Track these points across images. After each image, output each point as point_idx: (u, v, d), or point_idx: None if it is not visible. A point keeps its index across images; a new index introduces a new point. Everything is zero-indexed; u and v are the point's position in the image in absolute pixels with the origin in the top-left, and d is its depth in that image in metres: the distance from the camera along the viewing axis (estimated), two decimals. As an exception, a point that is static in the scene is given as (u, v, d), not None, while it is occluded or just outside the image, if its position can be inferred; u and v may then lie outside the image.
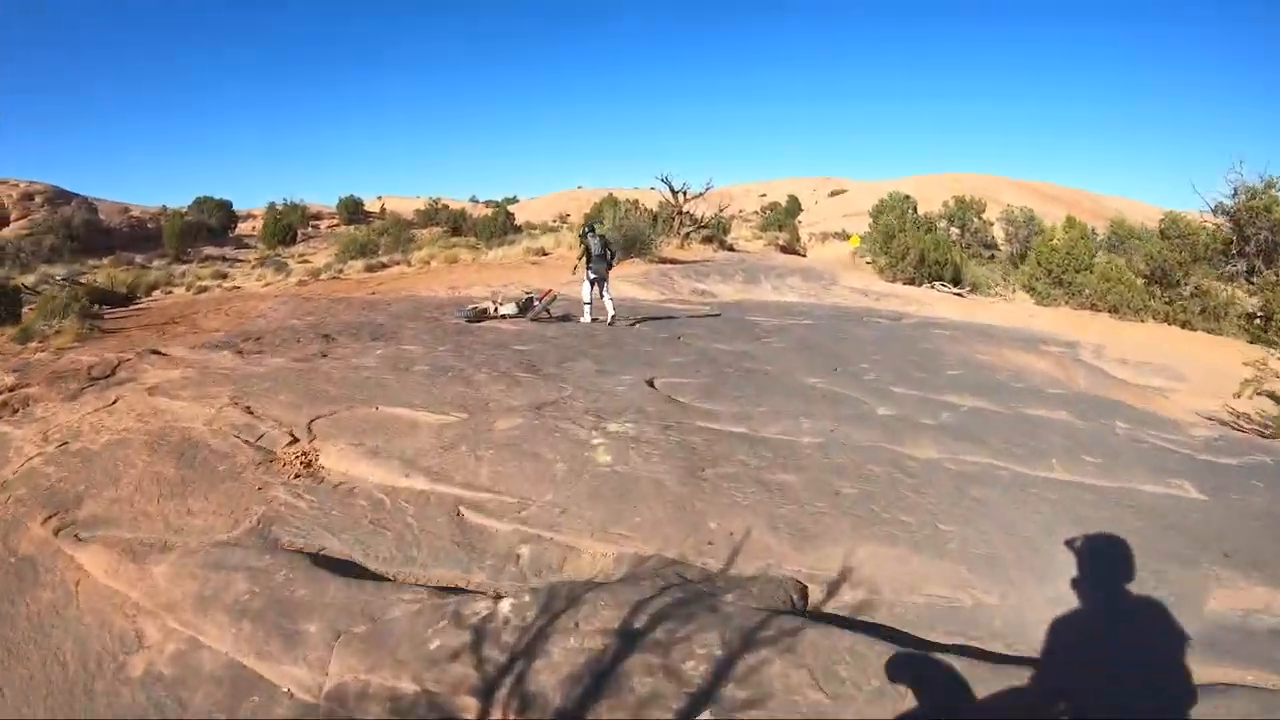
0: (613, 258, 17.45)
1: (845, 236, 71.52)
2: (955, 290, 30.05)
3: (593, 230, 17.23)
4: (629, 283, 26.88)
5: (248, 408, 8.81)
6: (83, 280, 31.49)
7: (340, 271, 33.46)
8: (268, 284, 30.51)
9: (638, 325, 16.76)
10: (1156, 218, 53.82)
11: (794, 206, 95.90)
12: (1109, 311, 24.89)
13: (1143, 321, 23.60)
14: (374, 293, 26.15)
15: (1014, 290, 29.27)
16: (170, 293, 32.35)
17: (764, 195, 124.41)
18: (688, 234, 42.36)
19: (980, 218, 50.84)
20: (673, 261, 35.57)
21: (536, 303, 16.88)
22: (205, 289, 30.91)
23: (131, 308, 27.10)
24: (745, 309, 21.79)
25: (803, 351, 13.48)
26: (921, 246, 31.38)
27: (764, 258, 42.87)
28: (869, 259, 40.01)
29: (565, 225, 74.92)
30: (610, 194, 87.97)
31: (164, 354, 12.12)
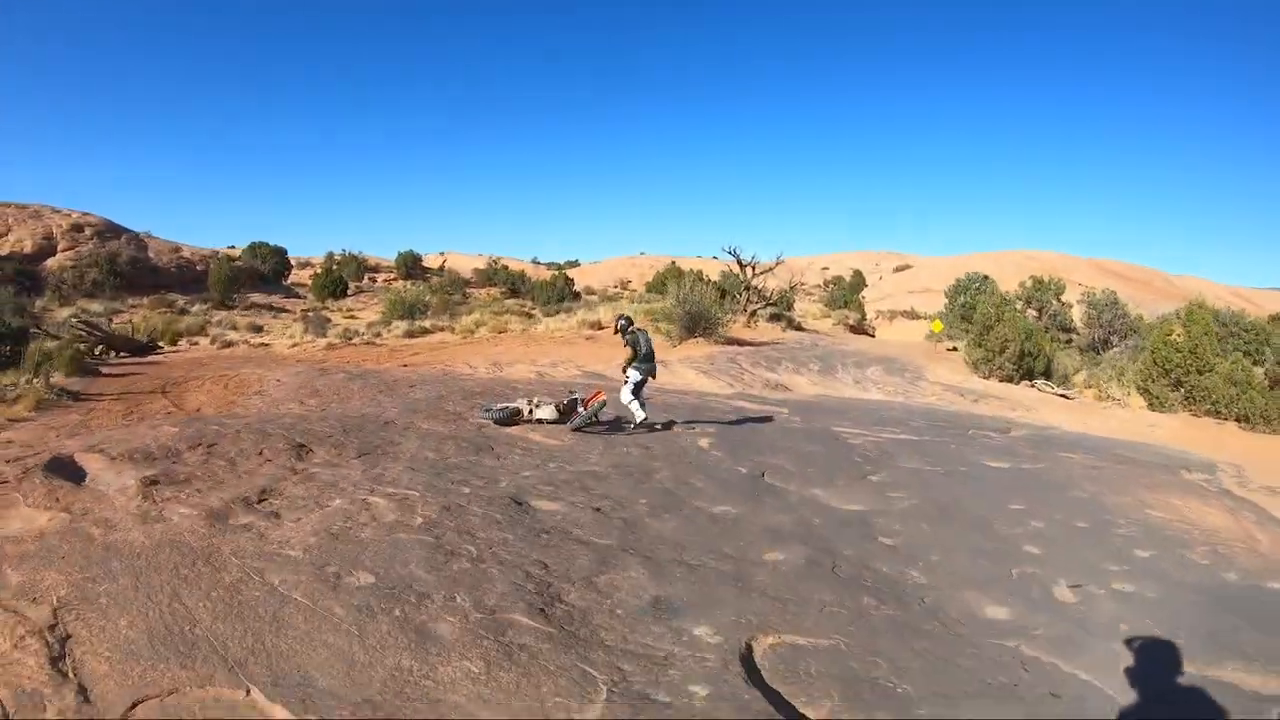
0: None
1: (914, 315, 68.17)
2: (1059, 391, 26.14)
3: (630, 323, 14.18)
4: (693, 369, 23.50)
5: (60, 649, 4.86)
6: (104, 325, 28.69)
7: (378, 336, 30.47)
8: (295, 344, 27.53)
9: (706, 442, 13.17)
10: (1230, 299, 49.74)
11: (858, 281, 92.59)
12: (1236, 421, 21.19)
13: (1276, 434, 19.82)
14: (406, 364, 23.17)
15: (1125, 390, 25.13)
16: (196, 344, 29.63)
17: (826, 269, 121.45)
18: (754, 312, 38.85)
19: (1059, 299, 46.70)
20: (740, 343, 32.26)
21: (580, 409, 13.45)
22: (231, 344, 28.02)
23: (144, 360, 24.46)
24: (828, 411, 18.33)
25: (942, 520, 9.68)
26: (1020, 338, 27.55)
27: (836, 340, 39.29)
28: (950, 345, 36.40)
29: (624, 292, 72.02)
30: (673, 262, 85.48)
31: (56, 479, 8.61)
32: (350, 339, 28.75)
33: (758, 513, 9.20)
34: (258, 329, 35.25)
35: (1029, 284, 47.67)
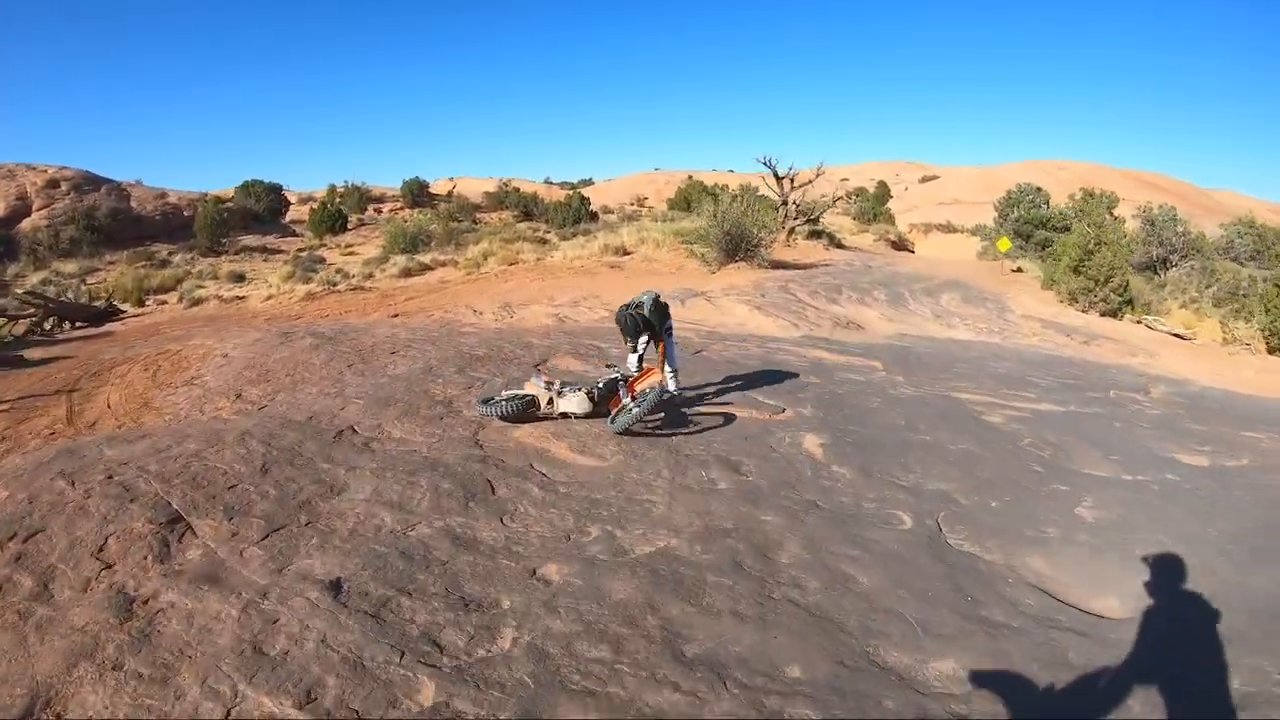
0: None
1: (951, 229, 63.47)
2: (1173, 330, 21.62)
3: (642, 307, 9.68)
4: (744, 303, 19.02)
5: None
6: (50, 294, 24.30)
7: (369, 277, 25.87)
8: (270, 297, 22.96)
9: (815, 446, 8.86)
10: (1267, 215, 45.35)
11: (883, 193, 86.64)
12: None
13: None
14: (397, 314, 18.77)
15: (1253, 331, 20.47)
16: (164, 303, 25.24)
17: (845, 180, 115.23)
18: (792, 229, 34.07)
19: (1112, 214, 41.66)
20: (785, 266, 27.64)
21: (626, 398, 8.90)
22: (200, 301, 23.53)
23: (99, 330, 20.38)
24: (929, 365, 13.90)
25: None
26: (1126, 266, 22.86)
27: (887, 260, 34.70)
28: (1015, 265, 31.88)
29: (643, 210, 66.99)
30: (690, 177, 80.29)
31: None
32: (334, 284, 24.10)
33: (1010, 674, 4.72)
34: (240, 278, 30.87)
35: (1078, 196, 42.77)
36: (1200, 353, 19.22)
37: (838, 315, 19.05)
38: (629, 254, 28.78)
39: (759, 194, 38.14)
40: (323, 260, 37.30)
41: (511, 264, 27.24)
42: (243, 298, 23.89)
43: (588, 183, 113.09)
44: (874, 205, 68.97)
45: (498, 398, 9.18)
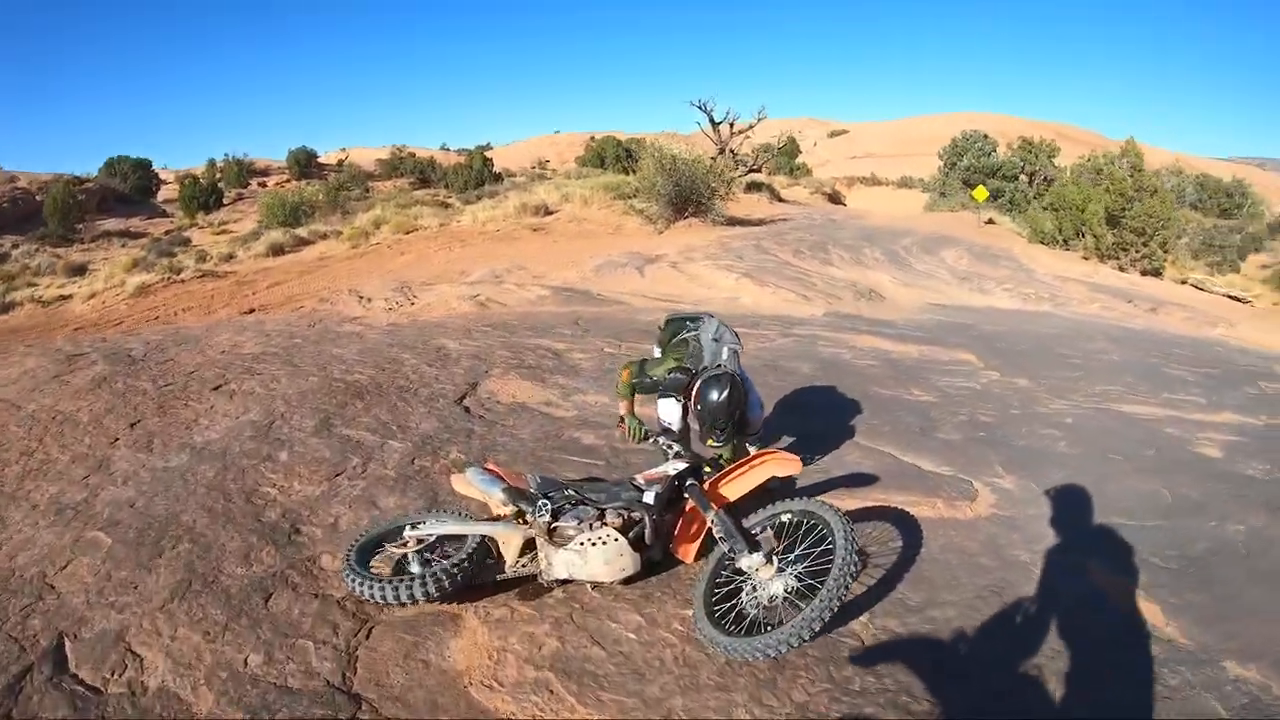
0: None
1: (876, 181, 59.69)
2: (1229, 292, 17.84)
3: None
4: (721, 269, 14.73)
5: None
6: None
7: (228, 259, 19.98)
8: (93, 296, 16.96)
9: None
10: (1174, 164, 43.18)
11: (793, 148, 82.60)
12: None
13: None
14: (254, 309, 13.35)
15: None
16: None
17: (747, 136, 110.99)
18: (729, 181, 29.25)
19: (1052, 162, 38.01)
20: (741, 221, 22.89)
21: (739, 548, 3.65)
22: (12, 306, 17.38)
23: None
24: (1019, 350, 9.94)
25: None
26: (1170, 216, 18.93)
27: (841, 213, 30.43)
28: (988, 218, 27.90)
29: (550, 173, 61.43)
30: (593, 137, 75.28)
31: None
32: (178, 273, 18.09)
33: None
34: (79, 270, 24.84)
35: (1017, 145, 39.04)
36: (1275, 319, 15.81)
37: (845, 281, 14.49)
38: (552, 213, 23.57)
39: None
40: (188, 242, 31.58)
41: (408, 232, 21.62)
42: (66, 298, 17.82)
43: (486, 148, 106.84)
44: (787, 161, 65.02)
45: (397, 545, 4.03)
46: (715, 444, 4.33)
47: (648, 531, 3.85)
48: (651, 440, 4.40)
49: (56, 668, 3.49)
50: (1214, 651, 3.66)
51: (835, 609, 3.23)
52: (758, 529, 3.81)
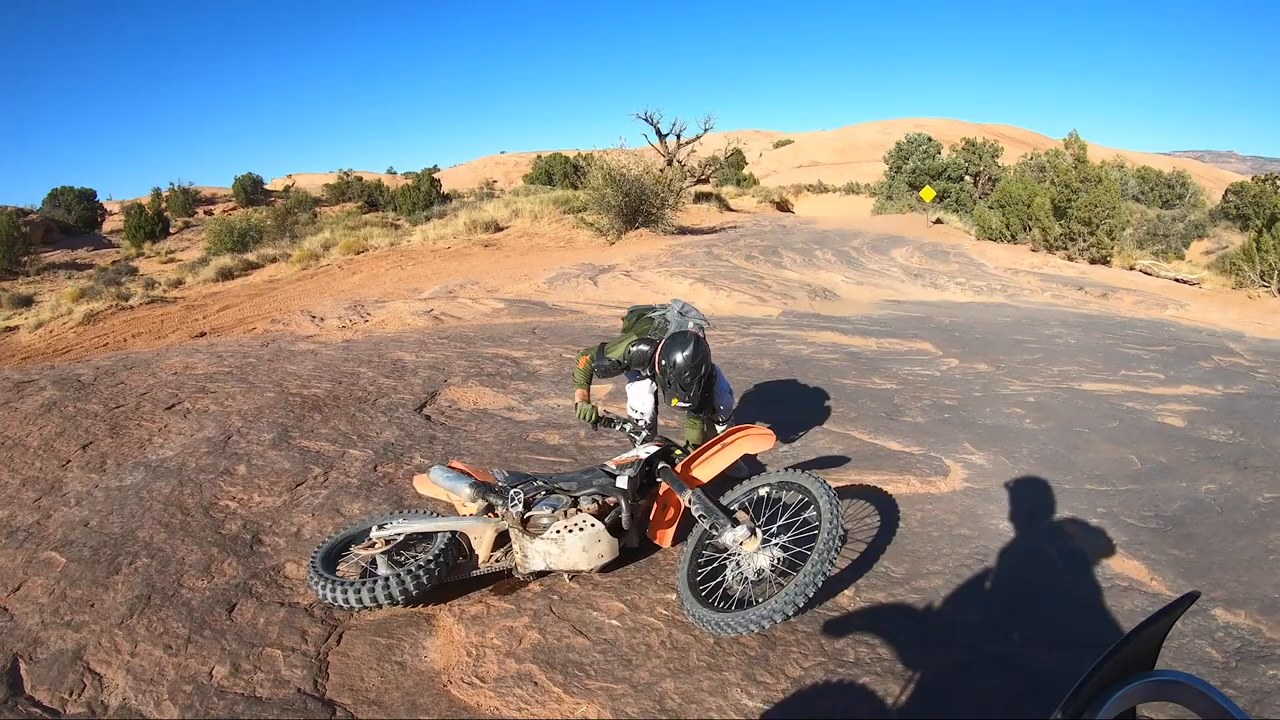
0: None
1: (823, 189, 60.02)
2: (1178, 276, 18.22)
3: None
4: (675, 276, 14.61)
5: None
6: None
7: (178, 285, 19.62)
8: (40, 325, 16.54)
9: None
10: (1115, 160, 44.14)
11: (739, 160, 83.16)
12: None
13: None
14: (205, 332, 13.14)
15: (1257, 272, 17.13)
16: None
17: (694, 149, 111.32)
18: (678, 191, 29.29)
19: (996, 162, 38.56)
20: (691, 230, 22.97)
21: (721, 524, 3.52)
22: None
23: None
24: (977, 338, 10.15)
25: None
26: (1117, 203, 19.23)
27: (791, 220, 30.59)
28: (935, 217, 28.16)
29: (498, 193, 61.21)
30: (539, 155, 75.01)
31: None
32: (126, 300, 17.70)
33: None
34: (25, 302, 24.33)
35: (961, 147, 39.54)
36: (1222, 300, 16.18)
37: (802, 282, 14.45)
38: (503, 230, 23.46)
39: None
40: (135, 272, 30.99)
41: (359, 253, 21.36)
42: (13, 329, 17.36)
43: (433, 170, 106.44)
44: (734, 172, 65.43)
45: (363, 546, 3.81)
46: (681, 404, 4.21)
47: (624, 516, 3.73)
48: (616, 425, 4.24)
49: (11, 690, 3.30)
50: (1201, 601, 3.66)
51: (827, 574, 3.15)
52: (735, 506, 3.70)
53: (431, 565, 3.62)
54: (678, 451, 4.05)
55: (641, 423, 4.36)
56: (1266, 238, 16.75)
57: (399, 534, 3.81)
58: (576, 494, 3.83)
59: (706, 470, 3.82)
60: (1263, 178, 37.85)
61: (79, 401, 7.31)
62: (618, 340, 4.50)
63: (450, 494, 3.98)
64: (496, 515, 3.84)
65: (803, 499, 3.58)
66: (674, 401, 4.20)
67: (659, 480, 3.85)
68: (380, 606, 3.58)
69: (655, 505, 3.90)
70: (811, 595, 3.09)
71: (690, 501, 3.59)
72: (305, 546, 4.33)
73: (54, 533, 4.68)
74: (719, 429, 4.63)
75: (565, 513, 3.72)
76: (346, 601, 3.52)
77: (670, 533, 3.88)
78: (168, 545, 4.40)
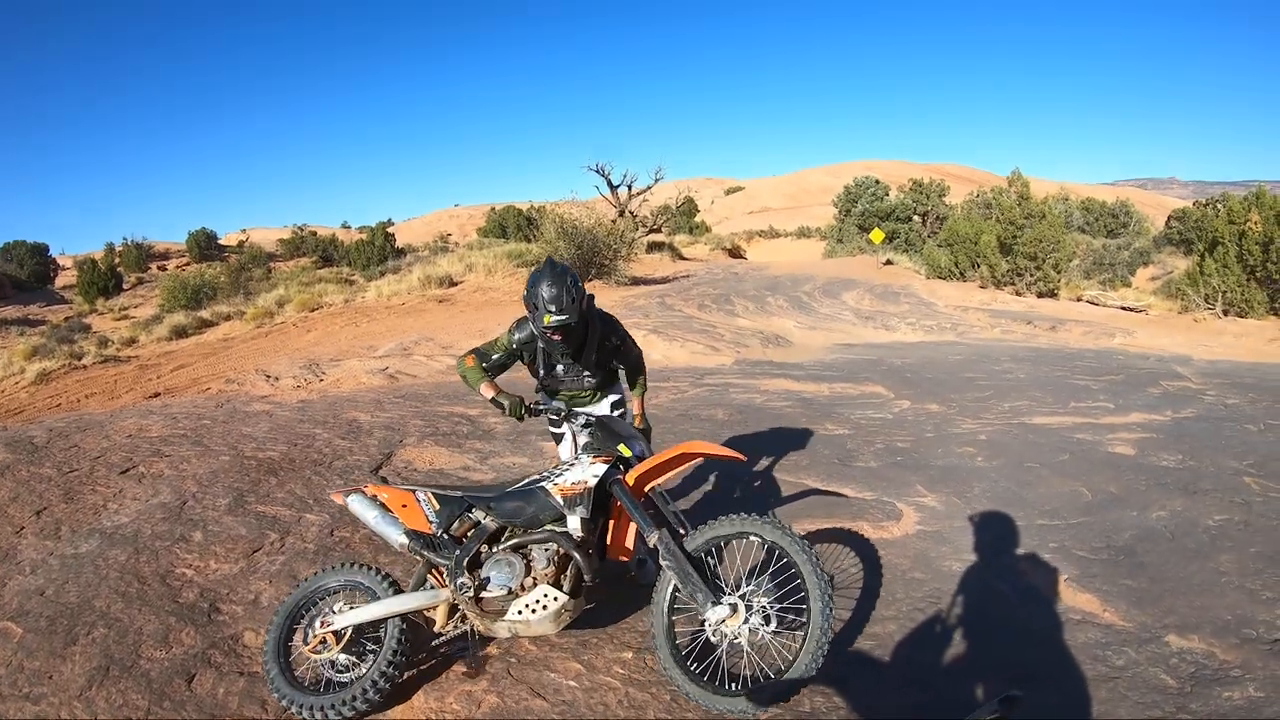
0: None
1: (775, 234, 60.61)
2: (1128, 305, 18.85)
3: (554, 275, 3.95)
4: (628, 326, 14.30)
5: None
6: None
7: (131, 344, 19.33)
8: (-15, 384, 16.20)
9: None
10: (1059, 192, 45.17)
11: (690, 208, 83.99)
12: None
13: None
14: (159, 393, 12.89)
15: (1201, 296, 17.64)
16: None
17: (646, 198, 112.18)
18: (631, 242, 29.44)
19: (943, 201, 39.34)
20: (644, 280, 23.18)
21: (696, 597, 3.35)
22: None
23: None
24: (928, 378, 10.25)
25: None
26: (1062, 237, 19.76)
27: (741, 266, 30.94)
28: (885, 259, 28.61)
29: (452, 246, 61.19)
30: (493, 208, 75.24)
31: None
32: (79, 359, 17.39)
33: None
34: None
35: (908, 188, 40.31)
36: (1169, 325, 16.46)
37: (754, 330, 14.59)
38: (457, 284, 23.39)
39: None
40: (88, 328, 30.22)
41: (313, 310, 21.22)
42: (-42, 391, 17.02)
43: (388, 224, 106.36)
44: (686, 221, 65.95)
45: (313, 645, 3.60)
46: (554, 319, 3.81)
47: (584, 569, 3.47)
48: (547, 412, 4.06)
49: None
50: (1154, 629, 3.75)
51: (830, 640, 3.11)
52: (703, 552, 3.41)
53: (397, 655, 3.49)
54: (626, 453, 3.69)
55: (579, 421, 4.02)
56: (1209, 261, 17.26)
57: (348, 627, 3.58)
58: (525, 541, 3.58)
59: (660, 473, 3.60)
60: (1204, 202, 38.86)
61: (32, 465, 7.19)
62: (496, 340, 4.35)
63: (381, 536, 3.80)
64: (441, 577, 3.69)
65: (771, 548, 3.36)
66: (546, 320, 3.84)
67: (610, 494, 3.61)
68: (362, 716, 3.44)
69: (613, 524, 3.67)
70: (816, 671, 3.05)
71: (661, 550, 3.36)
72: (263, 614, 4.25)
73: (9, 602, 4.58)
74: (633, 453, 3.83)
75: (522, 584, 3.49)
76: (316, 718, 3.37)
77: (632, 545, 3.66)
78: (125, 615, 4.33)
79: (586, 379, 4.30)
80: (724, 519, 3.45)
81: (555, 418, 4.04)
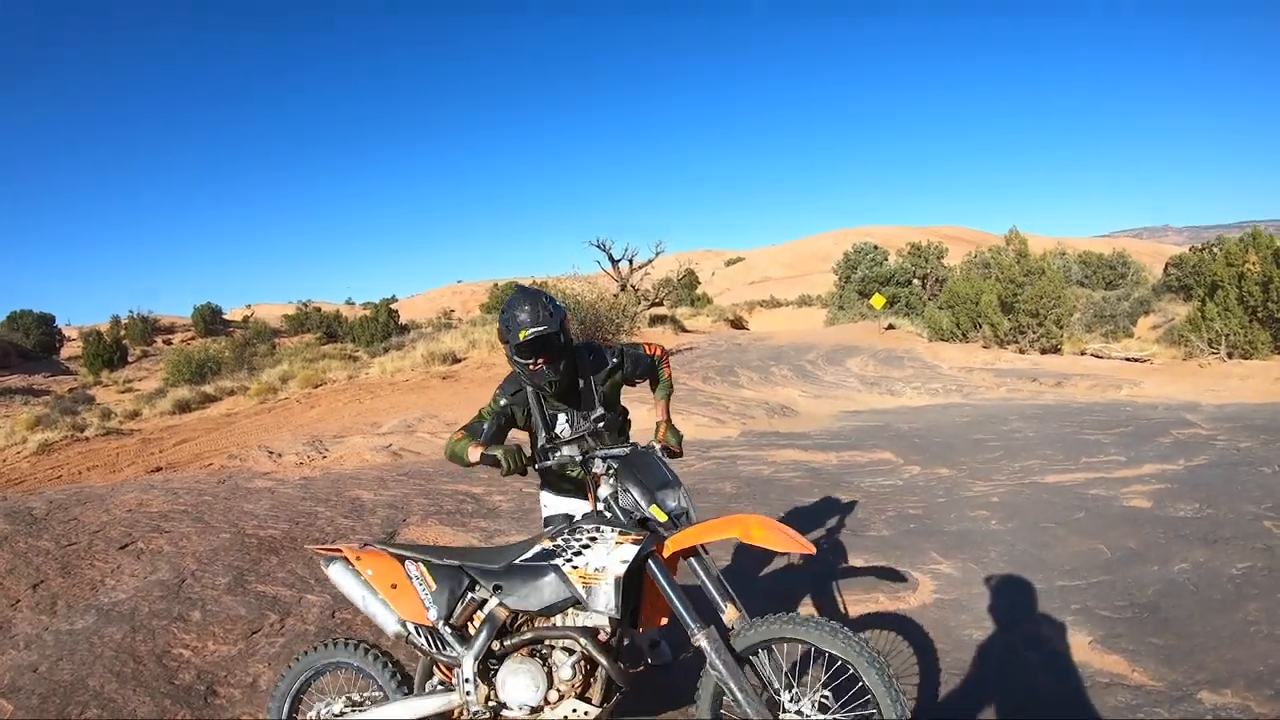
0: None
1: (776, 304, 60.92)
2: (1131, 355, 18.95)
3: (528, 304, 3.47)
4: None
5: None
6: None
7: (134, 417, 19.32)
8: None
9: None
10: (1056, 248, 45.39)
11: (692, 280, 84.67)
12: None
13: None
14: (160, 468, 12.83)
15: (1204, 340, 17.68)
16: None
17: (647, 272, 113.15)
18: (633, 316, 29.49)
19: (942, 263, 39.53)
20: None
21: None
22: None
23: None
24: (936, 441, 10.16)
25: None
26: (1062, 292, 19.91)
27: (745, 337, 30.97)
28: (886, 323, 28.68)
29: (456, 322, 61.54)
30: (496, 284, 75.79)
31: None
32: (81, 430, 17.38)
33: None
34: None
35: (907, 252, 40.56)
36: (1174, 373, 16.65)
37: (759, 400, 14.57)
38: (460, 360, 23.41)
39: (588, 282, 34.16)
40: (92, 400, 30.68)
41: (317, 386, 21.19)
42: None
43: (391, 300, 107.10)
44: (688, 293, 66.36)
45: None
46: (529, 331, 3.33)
47: (615, 678, 2.89)
48: (554, 459, 3.41)
49: None
50: (1186, 686, 3.62)
51: None
52: (755, 653, 2.82)
53: None
54: (660, 516, 2.97)
55: (598, 465, 3.23)
56: (1210, 305, 17.36)
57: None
58: (545, 638, 3.01)
59: (696, 537, 2.90)
60: (1200, 247, 38.95)
61: (30, 537, 7.09)
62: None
63: (371, 620, 3.30)
64: (448, 674, 3.19)
65: (829, 654, 2.67)
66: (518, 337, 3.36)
67: (647, 574, 2.95)
68: None
69: (645, 599, 3.08)
70: None
71: (709, 653, 2.75)
72: (261, 699, 4.10)
73: (1, 677, 4.45)
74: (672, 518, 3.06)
75: (546, 699, 2.92)
76: None
77: (665, 613, 3.06)
78: (119, 695, 4.19)
79: (598, 423, 3.54)
80: (782, 621, 2.75)
81: (569, 466, 3.41)
